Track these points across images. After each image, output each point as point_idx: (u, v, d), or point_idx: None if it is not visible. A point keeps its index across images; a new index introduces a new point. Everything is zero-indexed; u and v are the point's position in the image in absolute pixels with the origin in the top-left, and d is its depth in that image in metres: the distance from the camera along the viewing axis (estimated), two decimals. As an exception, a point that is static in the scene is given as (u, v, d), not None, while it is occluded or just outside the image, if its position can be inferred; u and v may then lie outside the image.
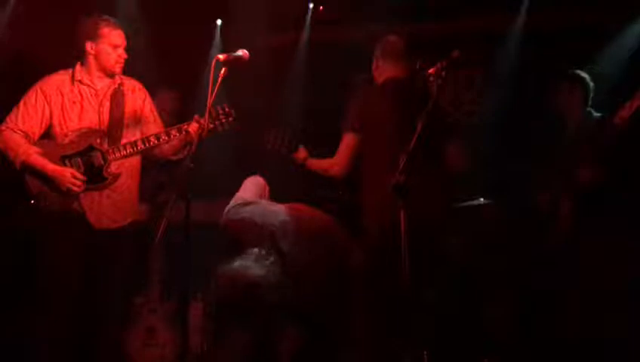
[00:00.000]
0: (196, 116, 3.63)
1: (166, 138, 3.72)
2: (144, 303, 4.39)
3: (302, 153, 3.73)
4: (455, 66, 2.94)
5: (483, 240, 4.50)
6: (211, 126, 3.00)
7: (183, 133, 3.65)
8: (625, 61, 4.67)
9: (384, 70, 3.69)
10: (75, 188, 3.64)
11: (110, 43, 3.73)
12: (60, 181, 3.64)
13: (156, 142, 3.72)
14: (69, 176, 3.64)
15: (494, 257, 4.45)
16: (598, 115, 4.15)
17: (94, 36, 3.72)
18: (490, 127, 4.85)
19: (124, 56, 3.79)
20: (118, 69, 3.79)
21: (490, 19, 4.94)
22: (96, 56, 3.76)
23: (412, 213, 2.82)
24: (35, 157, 3.67)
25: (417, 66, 3.53)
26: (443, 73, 2.86)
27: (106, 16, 3.76)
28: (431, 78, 2.87)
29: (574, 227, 3.99)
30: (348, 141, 3.62)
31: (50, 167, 3.66)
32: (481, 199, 4.61)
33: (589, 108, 4.22)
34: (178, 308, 4.36)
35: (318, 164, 3.70)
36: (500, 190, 4.51)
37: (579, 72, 4.29)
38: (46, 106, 3.74)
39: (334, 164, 3.67)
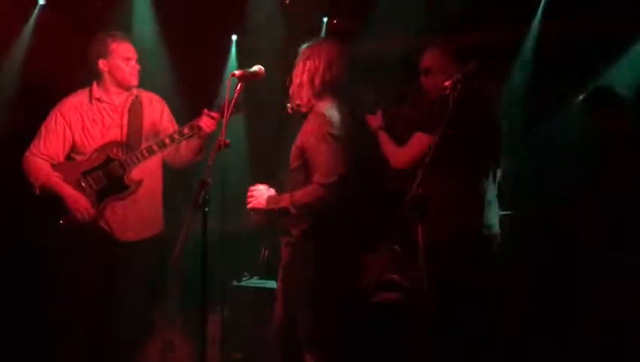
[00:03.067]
0: (205, 110, 3.67)
1: (178, 137, 3.75)
2: (163, 315, 4.41)
3: (378, 119, 3.72)
4: (472, 79, 2.94)
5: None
6: (227, 141, 3.01)
7: (196, 129, 3.69)
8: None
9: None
10: (84, 216, 3.72)
11: (121, 57, 3.80)
12: (74, 205, 3.72)
13: (170, 142, 3.77)
14: (83, 203, 3.72)
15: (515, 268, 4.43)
16: None
17: (105, 53, 3.79)
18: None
19: (137, 67, 3.85)
20: (134, 80, 3.85)
21: (503, 31, 4.92)
22: (110, 72, 3.82)
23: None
24: (55, 180, 3.75)
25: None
26: (459, 86, 2.86)
27: (112, 32, 3.84)
28: (447, 91, 2.87)
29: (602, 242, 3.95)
30: (421, 139, 3.45)
31: (67, 190, 3.74)
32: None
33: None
34: (196, 321, 4.37)
35: (388, 143, 3.66)
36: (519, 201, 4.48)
37: (608, 88, 4.21)
38: (66, 129, 3.82)
39: (403, 155, 3.56)
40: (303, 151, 3.25)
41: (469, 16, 4.68)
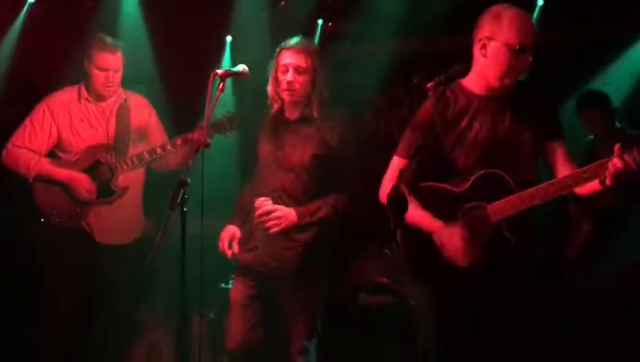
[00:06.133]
0: (200, 124, 3.63)
1: (171, 148, 3.76)
2: (149, 318, 4.38)
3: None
4: (454, 80, 2.89)
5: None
6: (208, 141, 2.99)
7: (189, 141, 3.68)
8: (637, 74, 4.59)
9: None
10: (88, 195, 3.70)
11: (98, 66, 3.77)
12: (76, 187, 3.70)
13: (162, 152, 3.77)
14: (84, 181, 3.71)
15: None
16: (633, 131, 4.06)
17: (88, 57, 3.78)
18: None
19: (113, 78, 3.79)
20: (106, 92, 3.81)
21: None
22: (89, 76, 3.80)
23: None
24: (48, 166, 3.74)
25: (415, 81, 3.46)
26: (442, 87, 2.80)
27: (103, 37, 3.79)
28: (429, 93, 2.81)
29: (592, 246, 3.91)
30: None
31: (65, 173, 3.72)
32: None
33: (618, 125, 4.13)
34: (181, 323, 4.33)
35: None
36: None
37: (596, 90, 4.21)
38: (52, 124, 3.80)
39: None
40: (323, 156, 3.30)
41: (463, 19, 4.64)
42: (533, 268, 2.80)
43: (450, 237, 2.72)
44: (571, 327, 3.88)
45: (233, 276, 4.53)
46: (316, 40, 5.44)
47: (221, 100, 3.04)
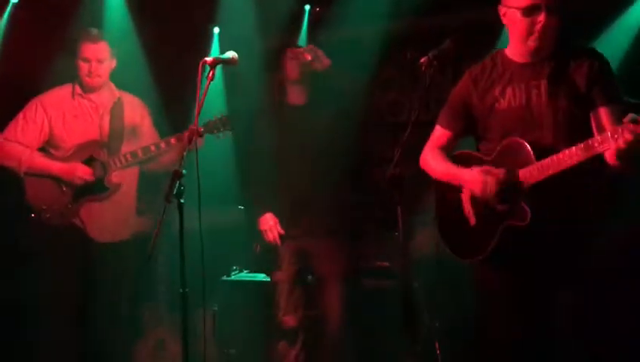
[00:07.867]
0: (191, 126, 3.62)
1: (165, 147, 3.74)
2: (152, 314, 4.35)
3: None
4: (447, 56, 2.86)
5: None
6: (201, 129, 2.96)
7: (182, 141, 3.65)
8: (625, 45, 4.53)
9: None
10: (87, 177, 3.68)
11: (81, 56, 3.76)
12: (71, 177, 3.68)
13: (156, 151, 3.75)
14: (79, 168, 3.69)
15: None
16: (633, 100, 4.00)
17: (76, 51, 3.77)
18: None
19: (97, 69, 3.76)
20: (90, 82, 3.77)
21: (481, 12, 4.82)
22: (77, 69, 3.78)
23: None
24: (40, 160, 3.72)
25: (408, 56, 3.44)
26: (435, 62, 2.78)
27: (88, 29, 3.80)
28: (423, 68, 2.79)
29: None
30: None
31: (57, 166, 3.70)
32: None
33: None
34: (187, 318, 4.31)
35: None
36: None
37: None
38: (45, 120, 3.78)
39: None
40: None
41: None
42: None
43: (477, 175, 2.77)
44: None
45: (235, 268, 4.55)
46: (304, 26, 5.42)
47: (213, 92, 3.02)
